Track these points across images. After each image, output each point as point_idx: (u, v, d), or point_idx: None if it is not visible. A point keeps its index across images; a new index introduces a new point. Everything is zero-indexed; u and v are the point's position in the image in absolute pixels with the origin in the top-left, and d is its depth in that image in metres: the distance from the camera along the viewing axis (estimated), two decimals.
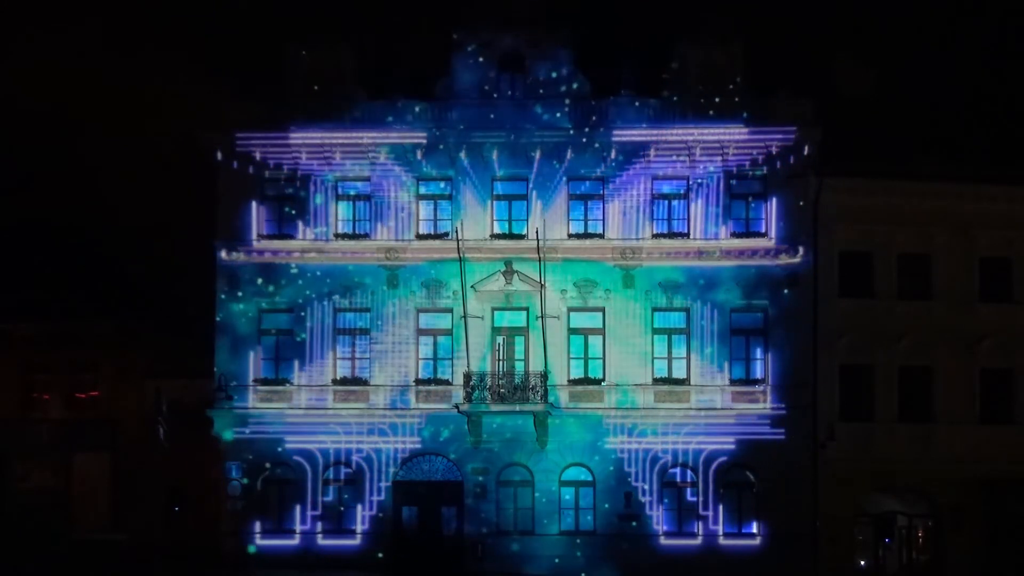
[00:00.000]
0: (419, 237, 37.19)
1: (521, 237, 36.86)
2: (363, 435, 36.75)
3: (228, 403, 36.26)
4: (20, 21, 49.23)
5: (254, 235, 37.23)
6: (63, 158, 47.16)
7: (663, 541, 36.28)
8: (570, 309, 36.98)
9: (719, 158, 36.82)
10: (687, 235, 36.90)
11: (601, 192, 37.15)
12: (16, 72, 48.62)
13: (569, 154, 36.89)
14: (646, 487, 36.44)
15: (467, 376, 35.97)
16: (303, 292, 37.11)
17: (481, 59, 37.47)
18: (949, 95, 40.62)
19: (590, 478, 36.68)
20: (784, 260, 36.59)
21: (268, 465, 36.78)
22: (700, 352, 36.74)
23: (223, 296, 37.17)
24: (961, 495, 36.59)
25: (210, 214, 37.34)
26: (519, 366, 36.67)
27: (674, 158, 36.90)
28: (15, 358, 40.79)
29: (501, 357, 36.86)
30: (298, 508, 36.75)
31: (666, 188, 37.23)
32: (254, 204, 37.32)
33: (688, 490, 36.67)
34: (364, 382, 37.01)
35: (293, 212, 37.42)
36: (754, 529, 36.43)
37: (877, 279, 37.23)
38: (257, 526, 36.65)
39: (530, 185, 37.12)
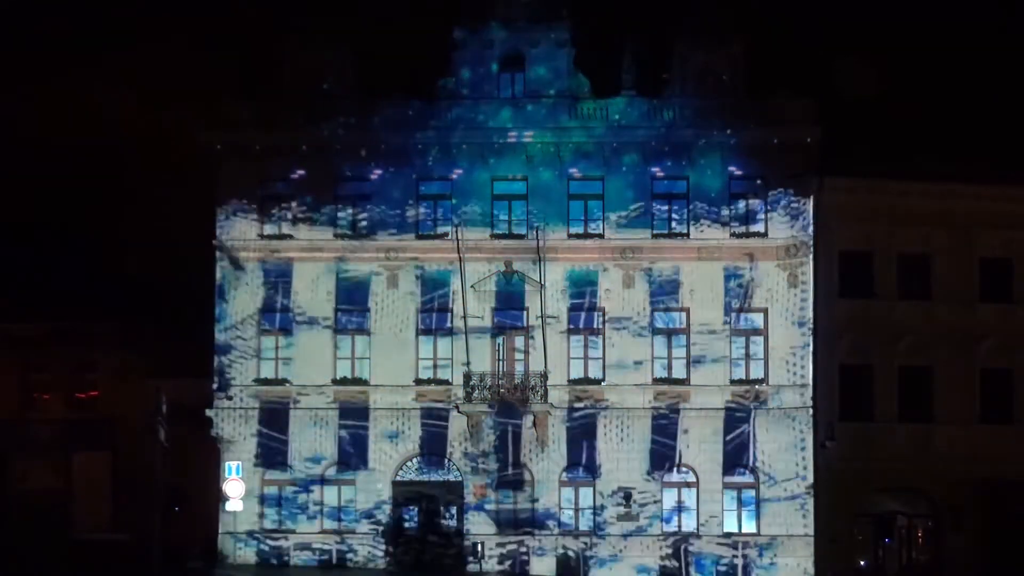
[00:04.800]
0: (419, 237, 37.16)
1: (521, 237, 36.84)
2: (363, 434, 36.72)
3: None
4: (18, 19, 49.25)
5: (254, 235, 37.20)
6: (63, 158, 47.17)
7: (663, 540, 36.24)
8: (570, 309, 36.95)
9: (719, 158, 36.79)
10: (687, 235, 36.88)
11: (601, 192, 37.11)
12: (15, 72, 48.65)
13: (569, 154, 36.87)
14: (646, 486, 36.41)
15: (467, 376, 35.95)
16: (302, 292, 37.05)
17: (481, 59, 37.46)
18: (949, 95, 40.59)
19: (590, 478, 36.66)
20: (784, 260, 36.56)
21: (268, 464, 36.83)
22: (699, 352, 36.68)
23: (223, 296, 37.11)
24: (961, 495, 36.53)
25: (210, 214, 37.32)
26: (519, 366, 36.65)
27: (674, 158, 36.87)
28: (15, 358, 40.79)
29: (501, 357, 36.85)
30: (298, 507, 36.85)
31: (666, 188, 37.18)
32: (254, 204, 37.28)
33: (688, 489, 36.65)
34: (364, 382, 36.98)
35: (293, 212, 37.37)
36: (754, 528, 36.41)
37: (877, 279, 37.20)
38: (257, 525, 36.64)
39: (529, 185, 37.08)
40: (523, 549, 36.32)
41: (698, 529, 36.38)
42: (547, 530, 36.44)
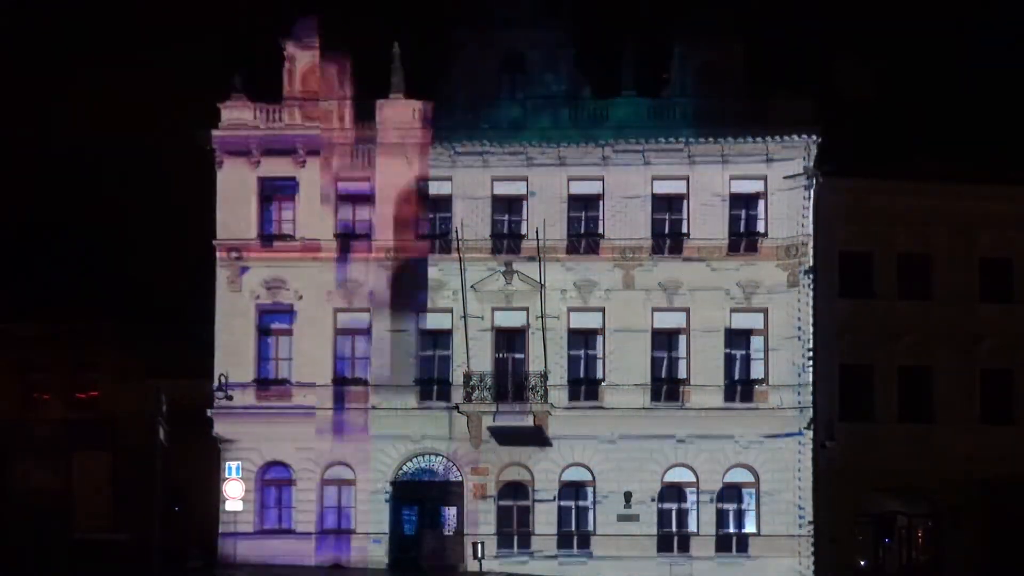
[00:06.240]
0: (419, 237, 37.15)
1: (521, 237, 36.84)
2: (363, 435, 36.69)
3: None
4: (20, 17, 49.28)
5: (253, 235, 37.19)
6: (63, 157, 47.16)
7: (662, 540, 36.23)
8: (570, 309, 36.94)
9: (719, 158, 36.79)
10: (687, 235, 36.86)
11: (601, 192, 37.09)
12: (14, 72, 48.65)
13: (569, 154, 36.85)
14: (645, 486, 36.38)
15: (467, 376, 35.96)
16: (302, 291, 37.01)
17: (482, 59, 37.43)
18: (949, 95, 40.59)
19: (590, 478, 36.66)
20: (784, 260, 36.55)
21: (267, 464, 36.82)
22: (699, 352, 36.67)
23: (222, 296, 37.10)
24: (961, 495, 36.56)
25: (210, 214, 37.32)
26: (519, 366, 36.64)
27: (674, 158, 36.86)
28: (15, 358, 40.81)
29: (501, 357, 36.81)
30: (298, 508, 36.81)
31: (666, 188, 37.15)
32: (254, 204, 37.28)
33: (687, 489, 36.65)
34: (363, 382, 36.97)
35: (293, 212, 37.37)
36: (753, 528, 36.40)
37: (877, 279, 37.24)
38: (255, 526, 36.63)
39: (529, 185, 37.07)
40: (523, 548, 36.32)
41: (698, 529, 36.36)
42: (547, 530, 36.40)
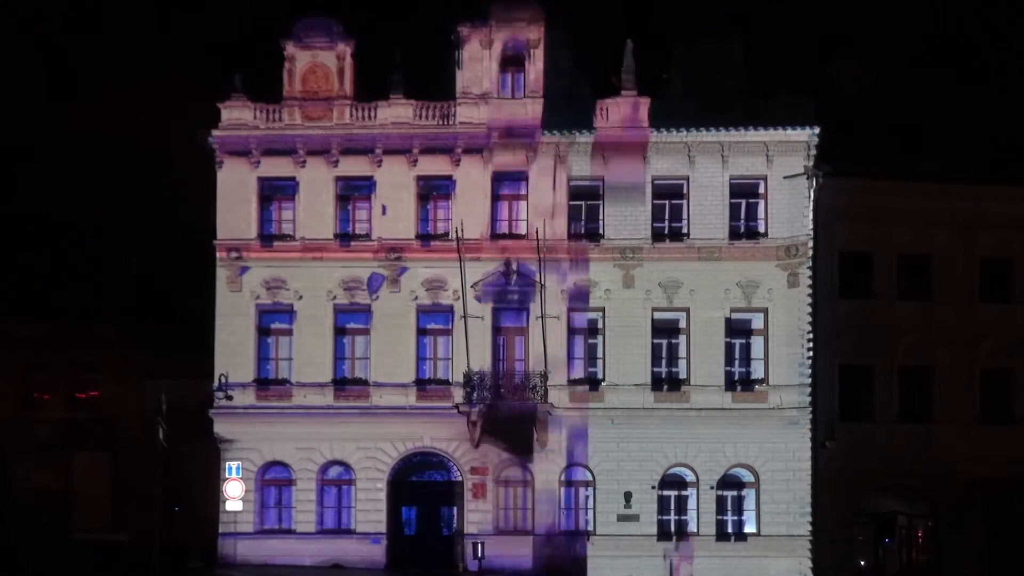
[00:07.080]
0: (419, 237, 37.16)
1: (521, 237, 36.84)
2: (363, 435, 36.68)
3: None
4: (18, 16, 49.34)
5: (253, 235, 37.19)
6: (63, 157, 47.26)
7: (662, 540, 36.22)
8: (570, 309, 36.94)
9: (718, 158, 36.79)
10: (687, 235, 36.86)
11: (600, 192, 37.09)
12: (15, 70, 48.71)
13: (568, 154, 36.85)
14: (645, 487, 36.38)
15: (467, 376, 35.95)
16: (303, 291, 37.01)
17: (481, 58, 37.43)
18: (949, 95, 40.61)
19: (590, 478, 36.66)
20: (784, 260, 36.55)
21: (267, 464, 36.81)
22: (699, 352, 36.67)
23: (222, 296, 37.09)
24: (961, 495, 36.57)
25: (210, 214, 37.32)
26: (519, 366, 36.64)
27: (673, 158, 36.86)
28: (15, 358, 40.84)
29: (501, 357, 36.84)
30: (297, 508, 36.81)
31: (666, 188, 37.15)
32: (254, 204, 37.28)
33: (687, 489, 36.66)
34: (363, 382, 36.98)
35: (293, 212, 37.37)
36: (753, 528, 36.40)
37: (877, 279, 37.24)
38: (255, 526, 36.63)
39: (529, 184, 37.07)
40: (523, 549, 36.30)
41: (698, 529, 36.37)
42: (547, 530, 36.41)
